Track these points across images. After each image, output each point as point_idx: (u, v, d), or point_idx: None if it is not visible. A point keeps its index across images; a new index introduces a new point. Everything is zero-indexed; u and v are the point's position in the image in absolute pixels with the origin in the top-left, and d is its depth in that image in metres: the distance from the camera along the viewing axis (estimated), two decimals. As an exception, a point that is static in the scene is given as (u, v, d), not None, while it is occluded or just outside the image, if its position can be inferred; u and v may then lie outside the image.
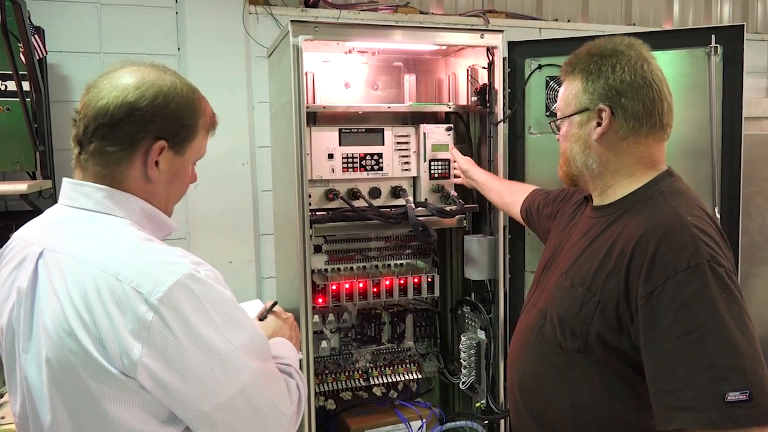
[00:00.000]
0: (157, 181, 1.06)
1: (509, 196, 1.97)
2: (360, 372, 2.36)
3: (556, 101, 2.18)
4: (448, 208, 2.18)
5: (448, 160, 2.23)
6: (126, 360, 0.90)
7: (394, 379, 2.38)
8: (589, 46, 1.30)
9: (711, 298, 1.06)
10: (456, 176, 2.23)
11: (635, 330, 1.14)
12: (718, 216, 2.03)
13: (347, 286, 2.18)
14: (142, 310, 0.90)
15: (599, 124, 1.25)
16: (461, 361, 2.31)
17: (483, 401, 2.26)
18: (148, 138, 1.03)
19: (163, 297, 0.91)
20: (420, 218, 2.11)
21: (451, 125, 2.25)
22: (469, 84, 2.27)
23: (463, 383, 2.31)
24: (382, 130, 2.19)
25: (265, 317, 1.36)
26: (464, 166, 2.17)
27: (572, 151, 1.31)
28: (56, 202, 1.08)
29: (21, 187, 2.02)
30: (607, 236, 1.24)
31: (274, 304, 1.40)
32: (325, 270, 2.30)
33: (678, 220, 1.14)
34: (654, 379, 1.10)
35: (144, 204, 1.06)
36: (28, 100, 2.13)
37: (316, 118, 2.23)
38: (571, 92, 1.30)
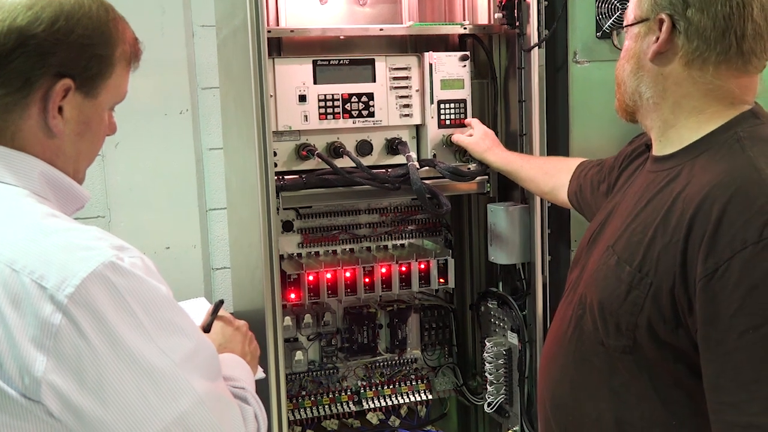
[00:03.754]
0: (62, 134, 1.06)
1: (548, 179, 1.99)
2: (349, 392, 2.37)
3: (610, 18, 2.18)
4: (465, 168, 2.17)
5: (464, 101, 2.23)
6: (27, 378, 0.90)
7: (396, 402, 2.40)
8: None
9: None
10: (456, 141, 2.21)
11: (694, 322, 1.16)
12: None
13: (329, 276, 2.18)
14: (46, 311, 0.90)
15: (658, 39, 1.28)
16: (486, 374, 2.33)
17: (516, 428, 2.29)
18: (47, 76, 1.03)
19: (75, 293, 0.91)
20: (427, 182, 2.10)
21: (468, 53, 2.24)
22: (492, -5, 2.25)
23: (488, 405, 2.33)
24: (373, 62, 2.17)
25: (210, 325, 1.36)
26: (483, 144, 2.14)
27: (624, 71, 1.36)
28: None
29: None
30: (665, 196, 1.25)
31: (220, 303, 1.40)
32: (299, 255, 2.30)
33: (754, 176, 1.15)
34: (713, 388, 1.13)
35: (45, 167, 1.05)
36: None
37: (281, 45, 2.22)
38: None
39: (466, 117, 2.23)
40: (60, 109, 1.05)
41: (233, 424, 1.05)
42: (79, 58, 1.05)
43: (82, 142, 1.10)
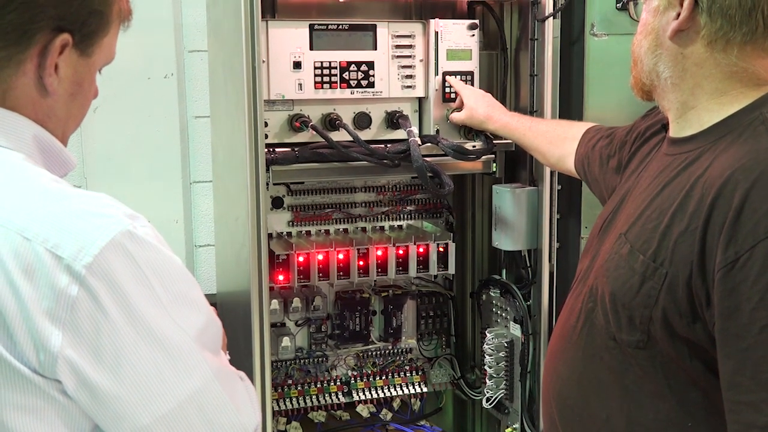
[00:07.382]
0: (56, 93, 1.06)
1: (554, 149, 1.99)
2: (338, 383, 2.39)
3: (631, -14, 2.18)
4: (469, 145, 2.18)
5: (472, 73, 2.23)
6: (42, 354, 0.91)
7: (388, 394, 2.42)
8: None
9: None
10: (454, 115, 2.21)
11: (711, 316, 1.16)
12: None
13: (320, 257, 2.19)
14: (62, 282, 0.91)
15: (679, 16, 1.27)
16: (485, 368, 2.34)
17: (516, 426, 2.31)
18: (45, 29, 1.02)
19: (93, 263, 0.91)
20: (428, 159, 2.11)
21: (477, 21, 2.24)
22: (505, -41, 2.25)
23: (487, 400, 2.34)
24: (374, 28, 2.17)
25: None
26: (480, 113, 2.14)
27: (641, 47, 1.36)
28: None
29: None
30: (683, 181, 1.26)
31: None
32: (289, 234, 2.31)
33: None
34: (730, 386, 1.13)
35: (38, 129, 1.06)
36: None
37: (275, 7, 2.21)
38: None
39: (473, 91, 2.23)
40: (55, 67, 1.05)
41: (241, 399, 1.07)
42: (79, 13, 1.04)
43: (74, 103, 1.11)
